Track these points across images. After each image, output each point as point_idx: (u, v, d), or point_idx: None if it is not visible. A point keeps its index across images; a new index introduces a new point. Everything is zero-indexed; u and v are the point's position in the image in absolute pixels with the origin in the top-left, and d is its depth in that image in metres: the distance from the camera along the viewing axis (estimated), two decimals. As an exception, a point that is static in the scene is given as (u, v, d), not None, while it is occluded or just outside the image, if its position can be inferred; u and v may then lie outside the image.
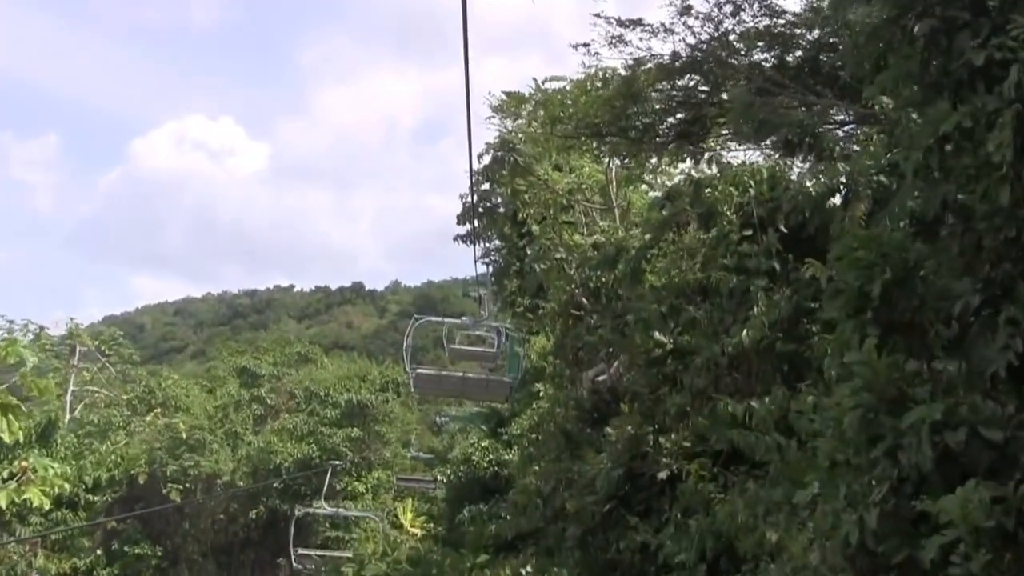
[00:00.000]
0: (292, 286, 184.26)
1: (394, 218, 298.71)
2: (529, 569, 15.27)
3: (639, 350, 15.73)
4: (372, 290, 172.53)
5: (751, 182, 11.45)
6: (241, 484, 51.25)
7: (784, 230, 11.21)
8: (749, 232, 11.50)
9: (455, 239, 44.40)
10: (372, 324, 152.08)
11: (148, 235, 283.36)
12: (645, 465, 14.48)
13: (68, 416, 45.54)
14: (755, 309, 10.73)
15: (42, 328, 46.37)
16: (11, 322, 46.05)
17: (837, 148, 12.23)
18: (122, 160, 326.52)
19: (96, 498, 31.24)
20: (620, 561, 15.11)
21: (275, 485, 49.39)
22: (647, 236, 12.81)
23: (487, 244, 43.48)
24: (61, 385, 46.94)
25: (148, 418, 49.12)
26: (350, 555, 27.02)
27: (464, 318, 40.33)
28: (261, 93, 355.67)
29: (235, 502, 52.65)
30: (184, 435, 49.91)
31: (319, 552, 32.22)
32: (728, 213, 11.53)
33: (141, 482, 49.36)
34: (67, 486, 24.48)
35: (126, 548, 49.95)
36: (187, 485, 50.49)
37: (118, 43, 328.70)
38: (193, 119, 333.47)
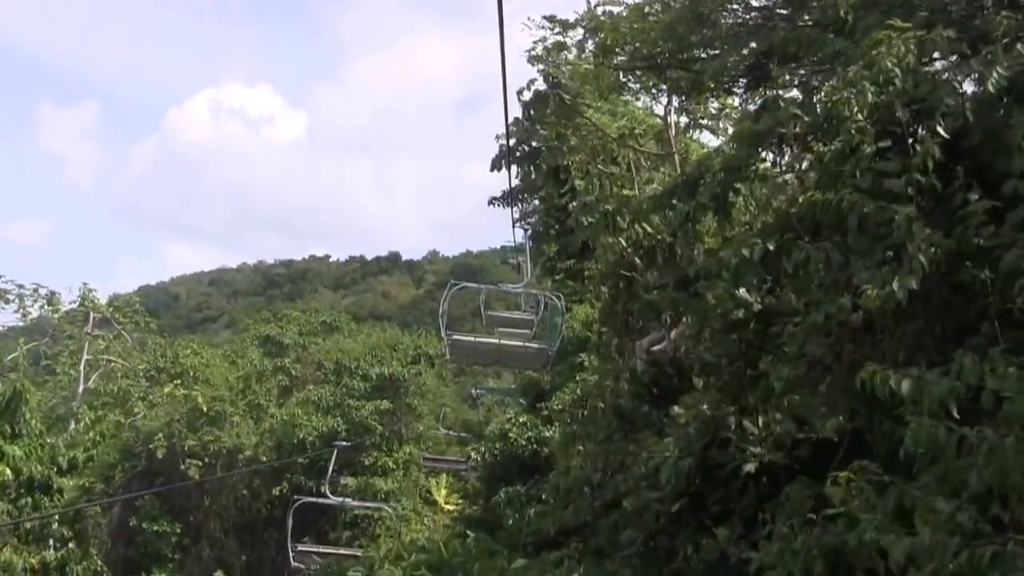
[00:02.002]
0: (328, 256, 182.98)
1: (433, 188, 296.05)
2: (577, 580, 12.20)
3: (715, 312, 12.65)
4: (409, 260, 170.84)
5: (896, 70, 8.23)
6: (264, 459, 48.72)
7: (946, 136, 8.03)
8: (887, 143, 8.33)
9: (490, 202, 41.62)
10: (408, 294, 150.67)
11: (184, 205, 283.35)
12: (725, 455, 11.43)
13: (82, 386, 43.08)
14: (909, 247, 7.56)
15: (53, 293, 44.09)
16: (20, 286, 43.90)
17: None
18: (159, 129, 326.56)
19: (71, 481, 28.48)
20: (688, 572, 12.07)
21: (300, 461, 46.76)
22: (738, 153, 9.62)
23: (525, 205, 40.70)
24: (75, 353, 44.57)
25: (167, 389, 46.57)
26: (358, 553, 23.99)
27: (502, 284, 38.40)
28: (299, 60, 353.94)
29: (258, 478, 50.15)
30: (204, 407, 47.39)
31: (322, 549, 29.19)
32: (859, 117, 8.35)
33: (160, 456, 47.02)
34: (7, 471, 21.88)
35: (144, 525, 47.80)
36: (207, 460, 48.00)
37: (154, 11, 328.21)
38: (230, 87, 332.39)
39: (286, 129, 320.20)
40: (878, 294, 7.52)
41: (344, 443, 33.48)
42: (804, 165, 9.45)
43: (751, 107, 20.21)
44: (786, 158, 9.69)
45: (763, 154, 9.74)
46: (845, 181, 8.27)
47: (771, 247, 8.59)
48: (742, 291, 12.04)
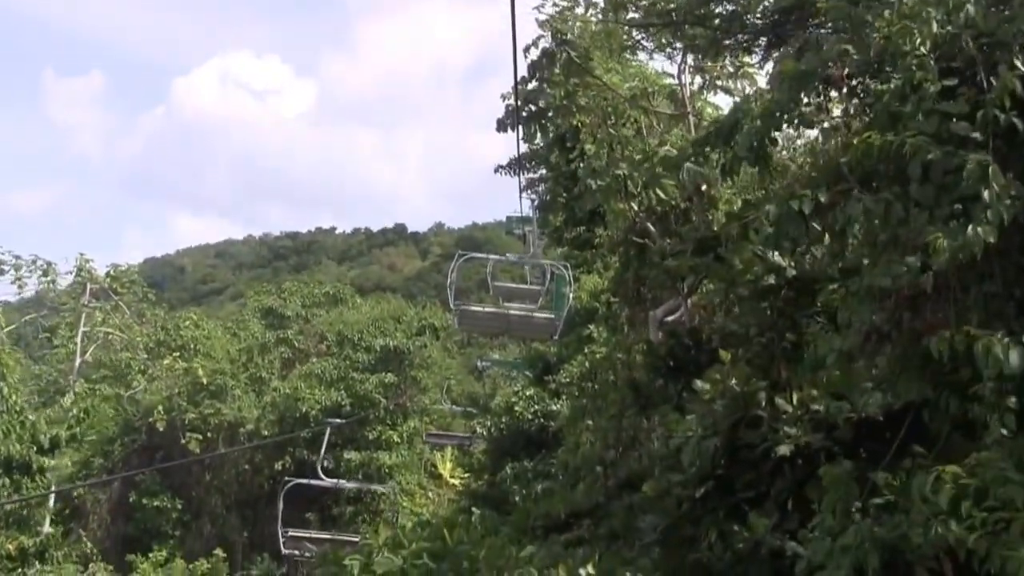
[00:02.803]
0: (334, 228, 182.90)
1: (440, 160, 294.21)
2: (591, 571, 11.15)
3: (743, 277, 11.57)
4: (415, 232, 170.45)
5: (970, -6, 7.09)
6: (266, 433, 47.84)
7: (1024, 69, 6.92)
8: (953, 82, 7.23)
9: (496, 169, 40.61)
10: (414, 266, 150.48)
11: (191, 176, 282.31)
12: (755, 435, 10.38)
13: (79, 359, 42.05)
14: (984, 195, 6.46)
15: (49, 264, 42.96)
16: (18, 257, 42.79)
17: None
18: (165, 99, 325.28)
19: (53, 461, 27.24)
20: (714, 562, 11.01)
21: (303, 435, 45.83)
22: (779, 97, 8.47)
23: (531, 173, 39.72)
24: (72, 326, 43.54)
25: (166, 362, 45.57)
26: (355, 538, 22.58)
27: (509, 255, 37.95)
28: (307, 29, 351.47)
29: (260, 452, 49.29)
30: (204, 380, 46.43)
31: (314, 534, 27.56)
32: (921, 51, 7.25)
33: (160, 430, 46.15)
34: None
35: (144, 500, 46.98)
36: (208, 434, 47.16)
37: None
38: (237, 56, 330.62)
39: (293, 99, 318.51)
40: (950, 246, 6.41)
41: (338, 420, 32.29)
42: (852, 111, 8.33)
43: (775, 61, 19.05)
44: (832, 103, 8.57)
45: (806, 98, 8.61)
46: (905, 124, 7.16)
47: (823, 199, 7.46)
48: (774, 255, 10.98)
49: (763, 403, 10.52)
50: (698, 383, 11.53)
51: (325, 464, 44.84)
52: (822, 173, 7.74)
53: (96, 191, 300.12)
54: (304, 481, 28.05)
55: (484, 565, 11.60)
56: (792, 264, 10.85)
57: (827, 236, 10.93)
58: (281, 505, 25.00)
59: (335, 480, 23.33)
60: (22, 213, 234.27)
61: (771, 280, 11.04)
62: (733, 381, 10.74)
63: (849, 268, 10.91)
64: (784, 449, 9.79)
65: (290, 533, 25.25)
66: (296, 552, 25.11)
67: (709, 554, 11.04)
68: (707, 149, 9.27)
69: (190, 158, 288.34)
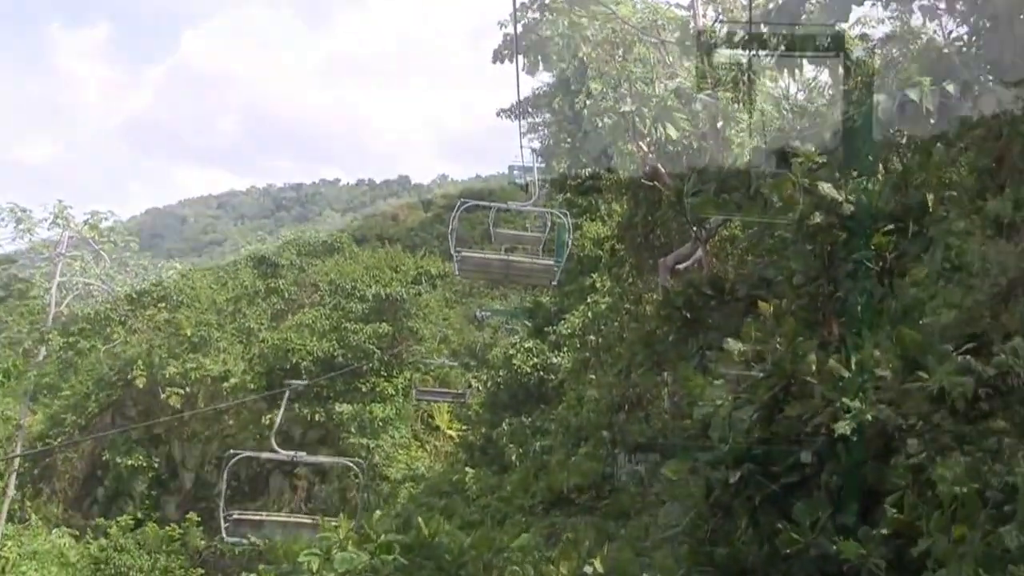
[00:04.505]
0: (338, 180, 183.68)
1: (445, 113, 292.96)
2: (599, 569, 9.23)
3: (784, 215, 9.54)
4: (418, 184, 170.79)
5: None
6: (252, 386, 45.64)
7: None
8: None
9: (499, 113, 38.97)
10: (417, 217, 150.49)
11: (196, 127, 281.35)
12: (804, 406, 8.42)
13: (54, 310, 39.95)
14: None
15: (24, 211, 40.84)
16: (-2, 205, 40.78)
17: None
18: (175, 51, 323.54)
19: None
20: (749, 557, 9.07)
21: (300, 386, 43.85)
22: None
23: (533, 117, 38.09)
24: (48, 276, 41.53)
25: (148, 312, 43.48)
26: (314, 520, 19.91)
27: (511, 203, 37.03)
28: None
29: (245, 407, 47.10)
30: (188, 331, 44.25)
31: (265, 516, 24.41)
32: None
33: (140, 386, 44.07)
34: None
35: (119, 459, 44.55)
36: (186, 389, 44.83)
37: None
38: (248, 8, 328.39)
39: (301, 52, 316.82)
40: None
41: (298, 382, 30.21)
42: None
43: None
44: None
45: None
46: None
47: (952, 89, 5.33)
48: (825, 187, 8.97)
49: (813, 368, 8.59)
50: (729, 341, 9.54)
51: (316, 418, 43.11)
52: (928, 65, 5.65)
53: (102, 143, 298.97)
54: (252, 454, 25.30)
55: (470, 559, 9.69)
56: (848, 198, 8.84)
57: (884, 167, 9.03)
58: (224, 485, 21.39)
59: (292, 452, 20.24)
60: (27, 165, 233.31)
61: (819, 219, 9.01)
62: (777, 340, 8.76)
63: (912, 204, 8.96)
64: (844, 426, 7.86)
65: (235, 516, 21.57)
66: (243, 541, 21.44)
67: (743, 548, 9.16)
68: (765, 33, 7.15)
69: (197, 110, 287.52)
